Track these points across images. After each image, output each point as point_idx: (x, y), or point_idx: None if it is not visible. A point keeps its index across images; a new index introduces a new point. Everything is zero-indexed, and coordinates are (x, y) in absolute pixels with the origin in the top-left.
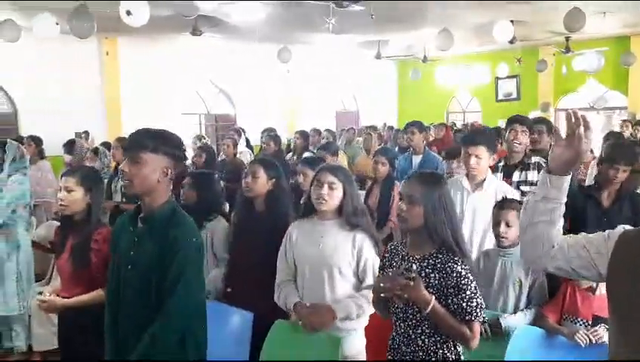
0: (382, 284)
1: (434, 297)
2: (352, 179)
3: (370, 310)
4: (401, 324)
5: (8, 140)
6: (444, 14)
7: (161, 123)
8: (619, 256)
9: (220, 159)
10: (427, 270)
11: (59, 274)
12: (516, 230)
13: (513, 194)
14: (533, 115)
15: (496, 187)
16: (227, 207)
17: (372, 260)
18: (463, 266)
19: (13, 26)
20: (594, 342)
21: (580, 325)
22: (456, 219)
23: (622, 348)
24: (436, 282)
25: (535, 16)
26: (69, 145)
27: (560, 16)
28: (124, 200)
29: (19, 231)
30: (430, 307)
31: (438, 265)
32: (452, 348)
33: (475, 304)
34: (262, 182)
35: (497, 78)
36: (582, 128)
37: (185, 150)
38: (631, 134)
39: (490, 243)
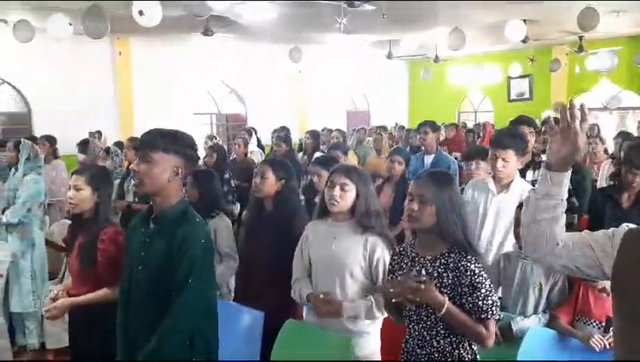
0: (392, 289)
1: (447, 298)
2: (368, 180)
3: (380, 316)
4: (415, 327)
5: (22, 140)
6: (456, 14)
7: (172, 123)
8: (624, 254)
9: (230, 159)
10: (440, 270)
11: (69, 272)
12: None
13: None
14: (545, 114)
15: (523, 189)
16: (238, 206)
17: (385, 262)
18: (477, 264)
19: (28, 27)
20: (608, 347)
21: (593, 326)
22: (466, 217)
23: (628, 348)
24: (450, 282)
25: (548, 16)
26: (83, 145)
27: (573, 15)
28: (136, 200)
29: (34, 229)
30: (445, 309)
31: (451, 265)
32: (468, 349)
33: (490, 302)
34: (270, 183)
35: (509, 78)
36: (577, 122)
37: (197, 150)
38: None
39: (511, 245)
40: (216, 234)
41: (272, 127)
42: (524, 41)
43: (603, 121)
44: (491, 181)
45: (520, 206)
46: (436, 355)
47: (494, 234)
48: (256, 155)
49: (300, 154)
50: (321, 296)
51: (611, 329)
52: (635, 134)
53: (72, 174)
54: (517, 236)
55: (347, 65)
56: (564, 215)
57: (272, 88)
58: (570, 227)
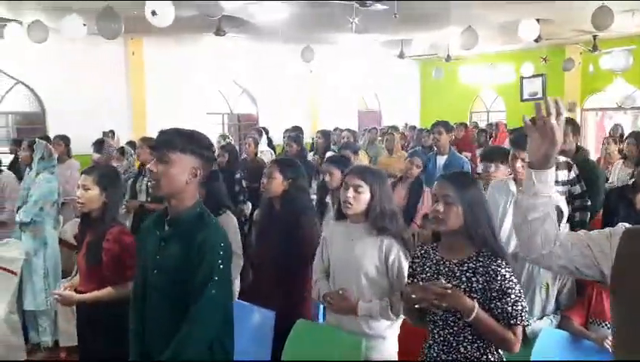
0: (414, 296)
1: (477, 303)
2: (383, 181)
3: (395, 318)
4: (440, 332)
5: (37, 139)
6: (468, 13)
7: (185, 122)
8: (623, 254)
9: (241, 159)
10: (468, 274)
11: (78, 269)
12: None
13: (560, 199)
14: None
15: None
16: (249, 206)
17: (400, 265)
18: (507, 269)
19: (42, 27)
20: None
21: (607, 328)
22: (495, 219)
23: (627, 349)
24: (479, 286)
25: (561, 15)
26: (98, 145)
27: (587, 14)
28: (148, 199)
29: (46, 228)
30: (474, 314)
31: (480, 269)
32: (495, 353)
33: (520, 307)
34: (277, 183)
35: (522, 78)
36: (552, 117)
37: (214, 151)
38: None
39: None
40: None
41: (283, 126)
42: (537, 41)
43: (617, 121)
44: (512, 182)
45: None
46: (462, 361)
47: (511, 236)
48: (266, 155)
49: (311, 154)
50: (340, 291)
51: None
52: None
53: (81, 174)
54: None
55: (359, 64)
56: (555, 212)
57: (283, 88)
58: (583, 226)
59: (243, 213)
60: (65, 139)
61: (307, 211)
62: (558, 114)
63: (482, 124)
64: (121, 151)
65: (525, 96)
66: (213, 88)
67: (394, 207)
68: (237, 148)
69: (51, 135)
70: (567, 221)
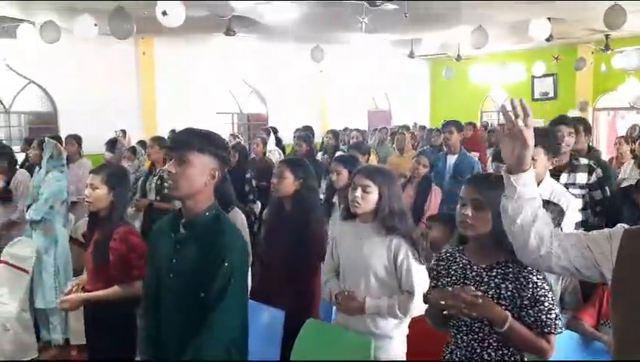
0: (443, 302)
1: (509, 313)
2: (392, 181)
3: (403, 317)
4: (464, 337)
5: (46, 138)
6: (479, 12)
7: (195, 122)
8: (623, 255)
9: (249, 158)
10: (497, 280)
11: (85, 267)
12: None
13: (569, 199)
14: (570, 114)
15: (553, 191)
16: (259, 205)
17: (409, 265)
18: (538, 276)
19: (54, 28)
20: None
21: None
22: None
23: (628, 350)
24: (509, 294)
25: (573, 14)
26: (111, 144)
27: (599, 13)
28: (157, 198)
29: (56, 226)
30: (507, 324)
31: (510, 276)
32: (519, 360)
33: (554, 316)
34: (288, 183)
35: (533, 77)
36: (520, 120)
37: (230, 151)
38: None
39: None
40: None
41: (293, 126)
42: (548, 40)
43: (630, 121)
44: None
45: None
46: None
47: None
48: (274, 154)
49: (320, 154)
50: (346, 292)
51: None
52: None
53: (89, 173)
54: None
55: (369, 64)
56: (542, 210)
57: (293, 88)
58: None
59: (253, 212)
60: (77, 139)
61: (317, 211)
62: (526, 115)
63: (495, 124)
64: (132, 150)
65: (536, 96)
66: (223, 88)
67: (403, 206)
68: (247, 147)
69: (63, 134)
70: (583, 225)
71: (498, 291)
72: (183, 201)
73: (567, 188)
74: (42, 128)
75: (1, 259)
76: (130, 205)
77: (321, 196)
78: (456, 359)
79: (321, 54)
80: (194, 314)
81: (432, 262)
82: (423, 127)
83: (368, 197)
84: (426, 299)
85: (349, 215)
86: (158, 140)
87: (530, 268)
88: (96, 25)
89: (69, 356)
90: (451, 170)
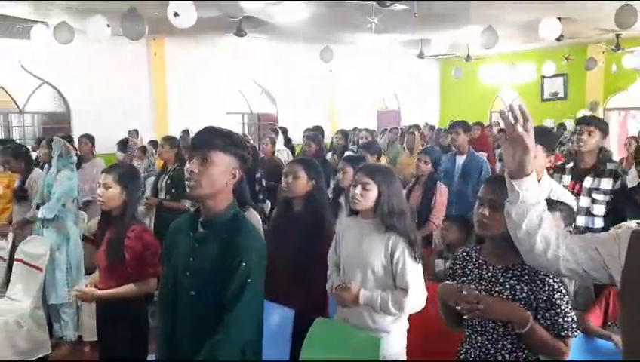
0: (460, 306)
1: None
2: (392, 180)
3: (396, 312)
4: (478, 338)
5: (54, 138)
6: (489, 12)
7: (205, 122)
8: (632, 256)
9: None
10: (512, 281)
11: (97, 266)
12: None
13: (568, 197)
14: (580, 114)
15: (552, 190)
16: (269, 205)
17: (405, 262)
18: (555, 279)
19: (67, 29)
20: None
21: None
22: None
23: (638, 352)
24: (524, 295)
25: (584, 13)
26: (123, 144)
27: (610, 12)
28: (167, 197)
29: (68, 224)
30: (529, 326)
31: (526, 277)
32: None
33: (570, 319)
34: (302, 183)
35: (543, 77)
36: (519, 125)
37: (250, 151)
38: None
39: None
40: None
41: (302, 126)
42: (558, 40)
43: None
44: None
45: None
46: None
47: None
48: (282, 154)
49: (330, 154)
50: (342, 284)
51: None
52: None
53: (102, 172)
54: None
55: (378, 64)
56: (548, 213)
57: (303, 88)
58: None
59: (263, 212)
60: (90, 138)
61: (327, 212)
62: (525, 120)
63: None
64: (143, 150)
65: (546, 96)
66: (233, 88)
67: (402, 205)
68: (257, 147)
69: (76, 134)
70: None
71: (513, 292)
72: (203, 200)
73: (591, 193)
74: (55, 128)
75: (16, 256)
76: (140, 204)
77: (329, 195)
78: (470, 359)
79: (331, 55)
80: (209, 314)
81: (449, 261)
82: (432, 127)
83: (367, 195)
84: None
85: (353, 211)
86: (169, 140)
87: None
88: (108, 26)
89: (81, 352)
90: (460, 171)
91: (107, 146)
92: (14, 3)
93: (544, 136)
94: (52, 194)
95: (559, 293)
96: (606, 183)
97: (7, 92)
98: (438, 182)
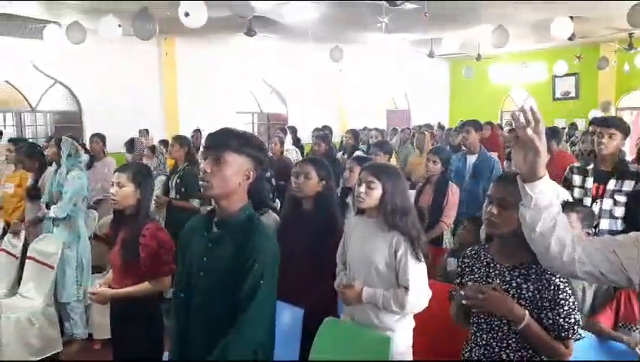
0: (462, 292)
1: (527, 312)
2: (398, 179)
3: (398, 310)
4: (484, 336)
5: (63, 137)
6: (500, 11)
7: (215, 121)
8: None
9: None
10: (519, 280)
11: (111, 265)
12: (578, 233)
13: (566, 195)
14: (592, 114)
15: (555, 190)
16: (278, 204)
17: (407, 261)
18: (562, 279)
19: (80, 28)
20: None
21: (639, 333)
22: None
23: None
24: (530, 294)
25: (596, 12)
26: (130, 144)
27: (622, 11)
28: (177, 196)
29: (79, 222)
30: (524, 323)
31: (533, 276)
32: None
33: (573, 320)
34: (313, 183)
35: (555, 76)
36: (529, 129)
37: (266, 152)
38: None
39: None
40: None
41: (312, 126)
42: (570, 39)
43: None
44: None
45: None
46: None
47: None
48: (291, 153)
49: (340, 154)
50: (345, 282)
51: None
52: None
53: (114, 172)
54: None
55: (388, 64)
56: (562, 215)
57: (312, 88)
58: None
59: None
60: (101, 137)
61: (337, 212)
62: (536, 122)
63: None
64: (152, 149)
65: (557, 96)
66: (244, 88)
67: (407, 204)
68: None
69: (88, 133)
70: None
71: (519, 291)
72: (217, 201)
73: (614, 195)
74: (67, 127)
75: (28, 254)
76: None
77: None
78: (475, 357)
79: (341, 54)
80: (222, 314)
81: (459, 260)
82: (441, 127)
83: (372, 193)
84: (450, 296)
85: (360, 210)
86: (179, 139)
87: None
88: (120, 26)
89: (92, 350)
90: (471, 170)
91: (118, 145)
92: (27, 3)
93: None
94: (64, 194)
95: (564, 294)
96: (628, 185)
97: (20, 91)
98: (450, 182)
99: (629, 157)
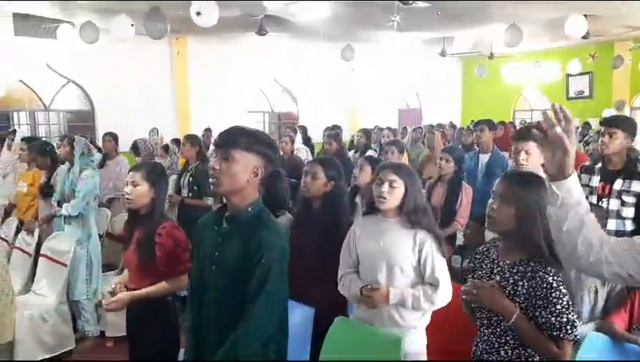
0: (463, 288)
1: (519, 308)
2: (415, 177)
3: (429, 308)
4: (485, 331)
5: (76, 137)
6: (512, 10)
7: (227, 120)
8: None
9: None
10: (516, 277)
11: (126, 265)
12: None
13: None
14: (606, 113)
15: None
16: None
17: (434, 257)
18: (555, 278)
19: (93, 28)
20: None
21: None
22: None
23: None
24: (524, 291)
25: (610, 11)
26: (135, 148)
27: (637, 10)
28: (190, 195)
29: (90, 221)
30: (513, 318)
31: (528, 274)
32: None
33: (565, 320)
34: (320, 183)
35: (568, 75)
36: (558, 128)
37: (277, 150)
38: None
39: None
40: None
41: (323, 125)
42: (584, 37)
43: None
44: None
45: None
46: None
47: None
48: (301, 152)
49: (352, 153)
50: (369, 286)
51: None
52: None
53: (129, 171)
54: None
55: (400, 63)
56: (591, 214)
57: (324, 87)
58: None
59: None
60: (114, 136)
61: (346, 212)
62: (567, 121)
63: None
64: (165, 148)
65: (571, 95)
66: (255, 87)
67: (425, 203)
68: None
69: (100, 132)
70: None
71: (515, 288)
72: (227, 197)
73: (621, 195)
74: (80, 126)
75: (41, 252)
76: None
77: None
78: (478, 353)
79: (352, 53)
80: (234, 309)
81: (472, 256)
82: (453, 126)
83: (395, 192)
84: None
85: (371, 210)
86: (190, 138)
87: (548, 269)
88: (132, 25)
89: (105, 347)
90: (484, 169)
91: (130, 144)
92: (42, 3)
93: (539, 134)
94: (77, 193)
95: (557, 292)
96: (637, 185)
97: (33, 90)
98: (463, 181)
99: None
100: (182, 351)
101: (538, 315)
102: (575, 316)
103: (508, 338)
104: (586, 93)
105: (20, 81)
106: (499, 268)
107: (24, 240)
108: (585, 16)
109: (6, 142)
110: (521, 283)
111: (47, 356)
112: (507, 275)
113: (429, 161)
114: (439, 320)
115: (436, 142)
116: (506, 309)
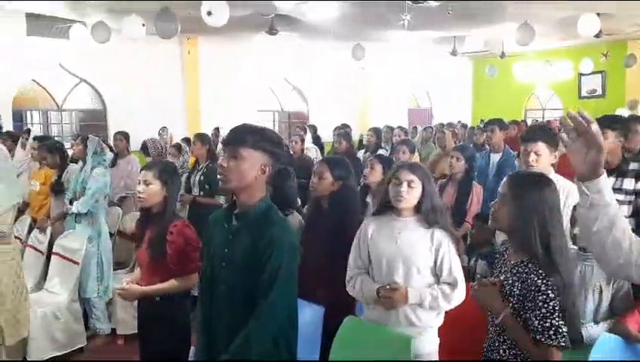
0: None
1: (512, 308)
2: (431, 177)
3: (445, 307)
4: (490, 328)
5: (90, 136)
6: (524, 8)
7: (237, 119)
8: None
9: None
10: (514, 278)
11: (138, 264)
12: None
13: (575, 193)
14: (619, 112)
15: (560, 185)
16: (299, 202)
17: (451, 257)
18: (545, 281)
19: (105, 28)
20: None
21: None
22: (555, 229)
23: None
24: (517, 292)
25: (623, 9)
26: (144, 148)
27: None
28: (201, 193)
29: (100, 219)
30: (501, 317)
31: (523, 275)
32: None
33: (548, 325)
34: (327, 183)
35: (580, 74)
36: (594, 125)
37: (285, 148)
38: None
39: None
40: None
41: (333, 124)
42: (597, 36)
43: None
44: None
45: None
46: None
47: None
48: (311, 151)
49: (362, 152)
50: (387, 286)
51: None
52: None
53: (140, 170)
54: (573, 237)
55: (410, 62)
56: (621, 217)
57: (334, 86)
58: None
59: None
60: (125, 135)
61: (356, 211)
62: (589, 122)
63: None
64: (177, 147)
65: (583, 94)
66: (265, 86)
67: (441, 203)
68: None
69: (112, 131)
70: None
71: (511, 289)
72: (236, 194)
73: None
74: (92, 125)
75: (53, 250)
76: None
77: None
78: (485, 349)
79: (362, 52)
80: (244, 304)
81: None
82: (464, 125)
83: (413, 192)
84: None
85: (383, 209)
86: (200, 137)
87: (540, 272)
88: (143, 25)
89: (116, 345)
90: (495, 169)
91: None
92: (54, 3)
93: (545, 133)
94: (87, 190)
95: (544, 296)
96: (629, 183)
97: (46, 90)
98: (474, 181)
99: None
100: (192, 349)
101: (528, 317)
102: (562, 322)
103: (506, 337)
104: (599, 92)
105: (33, 80)
106: (505, 268)
107: (37, 239)
108: (597, 14)
109: (20, 140)
110: (516, 284)
111: (59, 353)
112: (509, 275)
113: (441, 159)
114: (450, 320)
115: (447, 141)
116: (494, 308)
